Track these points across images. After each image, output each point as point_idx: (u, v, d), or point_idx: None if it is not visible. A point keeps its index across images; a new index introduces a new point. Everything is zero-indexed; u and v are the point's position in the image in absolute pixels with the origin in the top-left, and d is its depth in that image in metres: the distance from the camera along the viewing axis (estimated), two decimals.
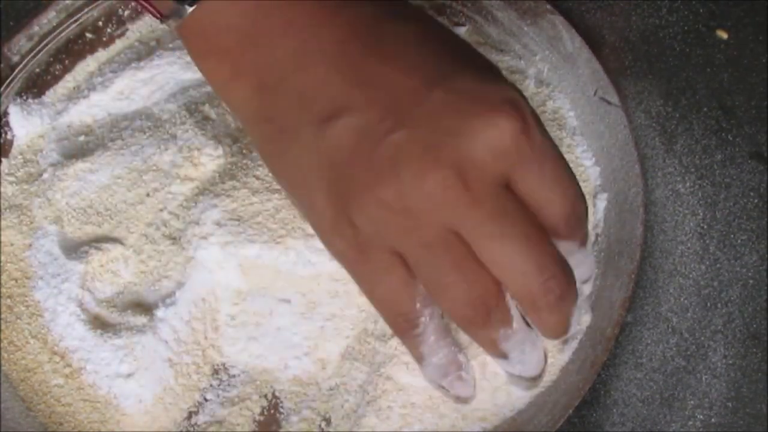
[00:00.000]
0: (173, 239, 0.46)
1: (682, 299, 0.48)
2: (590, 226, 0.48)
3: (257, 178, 0.46)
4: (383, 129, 0.35)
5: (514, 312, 0.38)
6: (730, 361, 0.46)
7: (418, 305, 0.38)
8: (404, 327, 0.39)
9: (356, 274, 0.39)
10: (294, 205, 0.42)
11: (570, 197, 0.37)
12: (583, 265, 0.40)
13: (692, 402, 0.46)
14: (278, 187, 0.45)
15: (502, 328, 0.38)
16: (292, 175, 0.39)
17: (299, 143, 0.37)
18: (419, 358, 0.40)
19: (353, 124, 0.36)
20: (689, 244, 0.49)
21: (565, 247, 0.38)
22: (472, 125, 0.35)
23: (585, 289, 0.42)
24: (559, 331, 0.39)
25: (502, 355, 0.39)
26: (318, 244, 0.40)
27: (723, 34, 0.55)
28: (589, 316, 0.44)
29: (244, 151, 0.48)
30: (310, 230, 0.41)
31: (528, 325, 0.39)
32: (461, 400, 0.42)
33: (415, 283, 0.38)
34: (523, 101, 0.36)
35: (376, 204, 0.36)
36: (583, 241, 0.40)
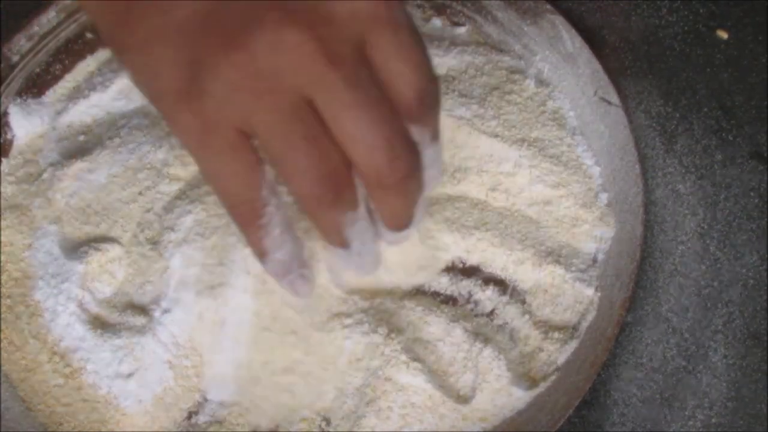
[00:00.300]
0: (154, 243, 0.46)
1: (682, 299, 0.48)
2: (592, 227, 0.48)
3: None
4: None
5: (361, 195, 0.37)
6: (730, 361, 0.46)
7: (263, 192, 0.37)
8: (248, 216, 0.37)
9: (199, 154, 0.36)
10: (134, 79, 0.37)
11: (423, 73, 0.36)
12: (433, 166, 0.39)
13: (692, 402, 0.46)
14: None
15: (350, 210, 0.37)
16: (140, 38, 0.35)
17: (149, 16, 0.35)
18: (262, 253, 0.39)
19: None
20: (689, 244, 0.49)
21: (417, 134, 0.37)
22: None
23: (430, 177, 0.40)
24: (402, 218, 0.38)
25: (344, 243, 0.39)
26: None
27: (723, 34, 0.55)
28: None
29: None
30: None
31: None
32: (301, 295, 0.41)
33: (261, 169, 0.36)
34: None
35: (228, 66, 0.34)
36: (435, 135, 0.39)
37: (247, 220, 0.38)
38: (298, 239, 0.40)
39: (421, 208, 0.40)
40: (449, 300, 0.46)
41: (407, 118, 0.37)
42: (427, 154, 0.38)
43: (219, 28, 0.34)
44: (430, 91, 0.37)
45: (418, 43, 0.36)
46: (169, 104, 0.36)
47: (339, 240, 0.39)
